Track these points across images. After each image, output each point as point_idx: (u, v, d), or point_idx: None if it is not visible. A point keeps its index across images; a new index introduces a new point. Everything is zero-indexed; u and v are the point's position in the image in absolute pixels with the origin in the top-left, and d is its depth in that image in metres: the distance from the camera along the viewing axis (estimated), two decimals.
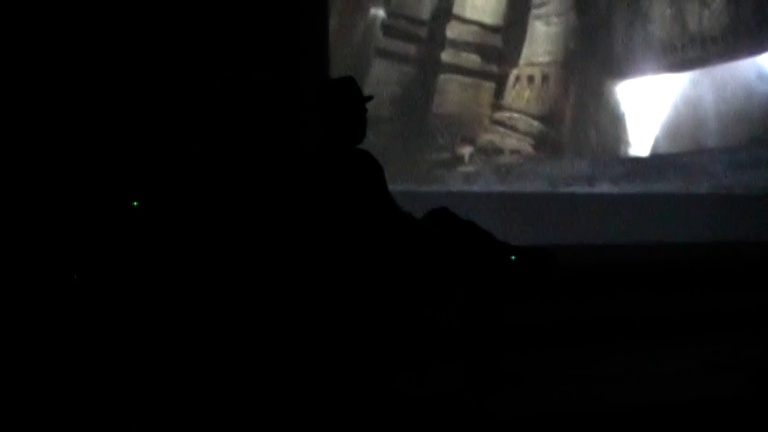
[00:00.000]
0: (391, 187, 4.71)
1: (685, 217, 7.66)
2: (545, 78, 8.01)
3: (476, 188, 6.96)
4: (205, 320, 4.78)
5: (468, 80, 8.33)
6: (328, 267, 4.47)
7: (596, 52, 9.62)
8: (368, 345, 4.44)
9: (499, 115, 6.91)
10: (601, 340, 6.29)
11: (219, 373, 4.61)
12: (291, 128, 5.86)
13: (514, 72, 8.11)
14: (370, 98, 4.75)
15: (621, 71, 10.14)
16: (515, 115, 7.05)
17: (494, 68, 10.51)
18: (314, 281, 4.55)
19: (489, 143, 6.91)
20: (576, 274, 6.22)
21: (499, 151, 6.86)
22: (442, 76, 10.29)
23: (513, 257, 4.57)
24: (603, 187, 7.40)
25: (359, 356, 4.44)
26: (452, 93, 7.32)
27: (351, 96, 4.59)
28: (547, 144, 7.35)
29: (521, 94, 6.98)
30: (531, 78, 7.46)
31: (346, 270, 4.44)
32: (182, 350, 4.66)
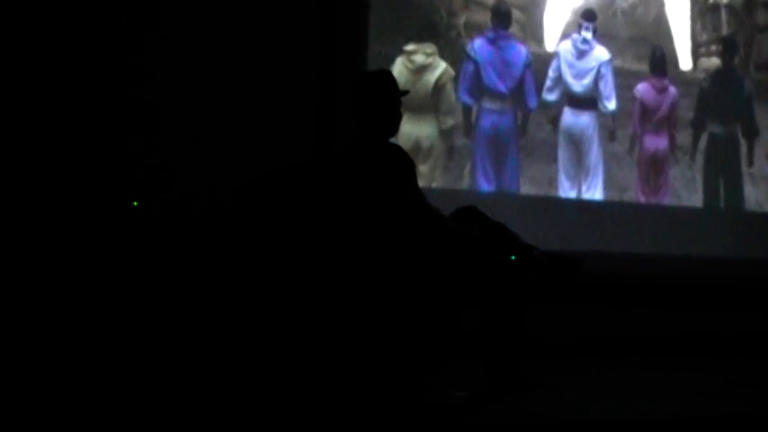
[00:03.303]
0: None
1: (714, 231, 8.18)
2: None
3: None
4: (228, 320, 5.19)
5: None
6: (353, 261, 4.92)
7: None
8: (388, 343, 4.86)
9: None
10: (622, 351, 6.79)
11: (239, 377, 5.03)
12: (324, 120, 6.31)
13: None
14: (405, 92, 5.19)
15: None
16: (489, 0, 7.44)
17: None
18: (338, 275, 4.99)
19: (475, 21, 7.37)
20: (602, 282, 6.67)
21: (488, 26, 7.35)
22: None
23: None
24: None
25: (377, 356, 4.86)
26: None
27: (386, 89, 4.99)
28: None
29: None
30: None
31: (371, 264, 4.88)
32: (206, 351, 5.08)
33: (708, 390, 5.63)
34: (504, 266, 5.00)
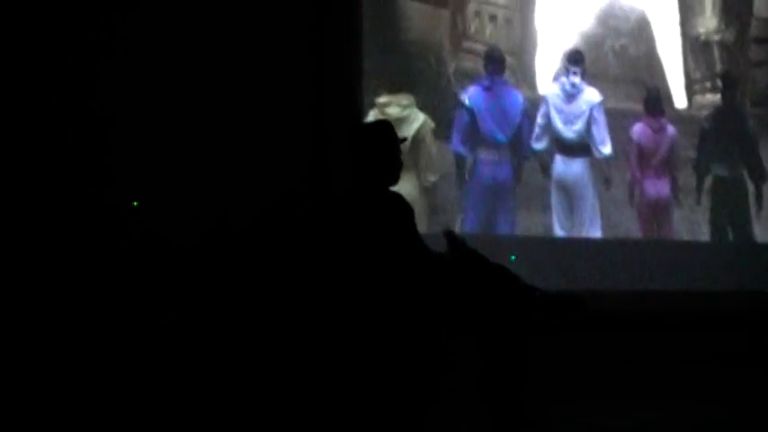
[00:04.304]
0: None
1: (712, 265, 8.27)
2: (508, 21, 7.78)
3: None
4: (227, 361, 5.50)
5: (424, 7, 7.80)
6: (355, 306, 5.05)
7: None
8: (388, 381, 5.00)
9: (467, 44, 7.34)
10: (627, 388, 7.14)
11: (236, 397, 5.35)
12: (320, 167, 6.51)
13: (472, 7, 7.83)
14: (403, 140, 5.36)
15: None
16: (480, 47, 7.41)
17: None
18: (339, 318, 5.36)
19: (465, 68, 7.38)
20: (604, 319, 6.99)
21: (478, 73, 7.41)
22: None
23: (537, 295, 5.40)
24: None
25: (378, 393, 5.01)
26: (415, 19, 7.22)
27: (386, 140, 5.29)
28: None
29: (482, 29, 7.28)
30: (493, 17, 7.46)
31: (373, 309, 5.02)
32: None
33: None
34: (505, 306, 5.24)
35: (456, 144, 7.59)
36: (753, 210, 8.65)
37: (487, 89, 7.73)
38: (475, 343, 5.21)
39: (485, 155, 7.69)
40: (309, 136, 6.59)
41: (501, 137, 7.71)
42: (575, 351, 7.08)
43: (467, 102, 7.63)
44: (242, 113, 6.35)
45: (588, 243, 8.01)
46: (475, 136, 7.63)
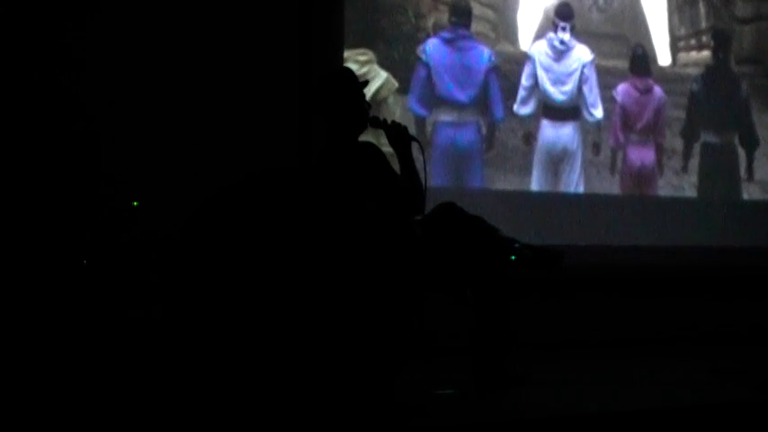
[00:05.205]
0: None
1: (698, 220, 8.34)
2: None
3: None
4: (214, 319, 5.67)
5: None
6: (335, 263, 5.14)
7: None
8: (372, 342, 5.10)
9: None
10: (607, 343, 7.34)
11: (223, 371, 5.54)
12: (302, 128, 6.59)
13: None
14: (365, 83, 5.48)
15: None
16: None
17: None
18: (319, 277, 5.16)
19: (443, 22, 7.19)
20: (584, 274, 7.03)
21: None
22: None
23: (514, 257, 5.60)
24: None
25: (362, 353, 5.09)
26: None
27: (347, 85, 5.42)
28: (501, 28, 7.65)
29: None
30: None
31: (353, 266, 5.13)
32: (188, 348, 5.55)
33: (693, 379, 5.96)
34: (485, 262, 5.42)
35: (412, 103, 7.23)
36: (743, 177, 8.64)
37: (448, 42, 7.38)
38: (461, 303, 5.35)
39: (444, 116, 7.37)
40: (295, 100, 6.65)
41: (461, 96, 7.41)
42: (555, 306, 7.25)
43: (423, 55, 7.30)
44: (226, 87, 6.41)
45: (569, 198, 7.88)
46: (433, 94, 7.31)
